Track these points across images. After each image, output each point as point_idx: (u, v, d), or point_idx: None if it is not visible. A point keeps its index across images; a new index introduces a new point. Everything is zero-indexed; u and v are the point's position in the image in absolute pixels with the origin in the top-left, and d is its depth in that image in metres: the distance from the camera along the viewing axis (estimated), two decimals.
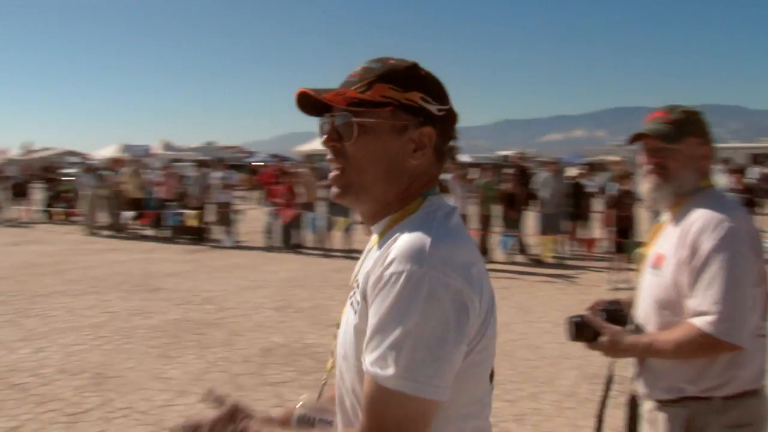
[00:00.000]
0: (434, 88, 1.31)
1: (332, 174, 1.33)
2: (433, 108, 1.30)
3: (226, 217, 14.55)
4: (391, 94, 1.27)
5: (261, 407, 1.90)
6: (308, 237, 13.79)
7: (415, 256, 1.16)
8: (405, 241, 1.20)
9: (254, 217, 16.86)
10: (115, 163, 19.46)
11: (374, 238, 1.37)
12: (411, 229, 1.22)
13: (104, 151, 35.37)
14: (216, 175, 14.94)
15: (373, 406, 1.16)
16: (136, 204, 16.29)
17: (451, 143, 1.37)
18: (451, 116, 1.34)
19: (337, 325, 1.38)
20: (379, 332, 1.15)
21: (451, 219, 1.29)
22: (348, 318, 1.30)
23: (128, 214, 16.44)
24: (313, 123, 1.39)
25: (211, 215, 14.85)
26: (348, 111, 1.27)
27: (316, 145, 24.87)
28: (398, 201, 1.32)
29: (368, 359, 1.16)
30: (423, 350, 1.13)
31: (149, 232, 16.21)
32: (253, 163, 36.74)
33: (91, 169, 18.09)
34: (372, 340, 1.16)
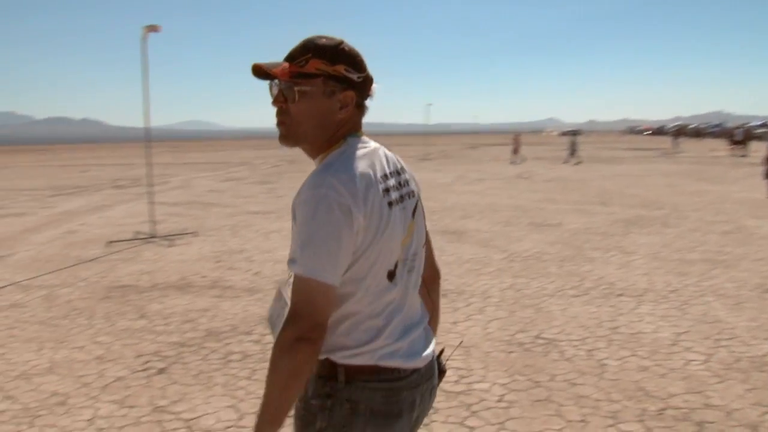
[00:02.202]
0: (355, 61, 1.74)
1: (278, 124, 1.77)
2: (354, 76, 1.74)
3: None
4: (322, 67, 1.70)
5: None
6: None
7: (316, 182, 1.60)
8: (314, 173, 1.65)
9: None
10: None
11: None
12: (325, 162, 1.70)
13: None
14: None
15: (293, 289, 1.59)
16: None
17: (369, 99, 1.83)
18: (367, 80, 1.79)
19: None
20: (294, 239, 1.62)
21: (358, 151, 1.73)
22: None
23: None
24: None
25: None
26: (291, 81, 1.71)
27: None
28: (327, 144, 1.76)
29: (288, 258, 1.64)
30: (318, 247, 1.56)
31: None
32: None
33: None
34: (292, 245, 1.63)
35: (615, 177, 22.75)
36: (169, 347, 5.49)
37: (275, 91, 1.76)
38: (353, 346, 1.70)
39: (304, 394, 1.73)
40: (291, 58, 1.74)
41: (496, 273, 8.02)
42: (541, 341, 5.49)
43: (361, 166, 1.69)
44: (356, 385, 1.69)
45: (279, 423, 1.60)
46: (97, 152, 75.40)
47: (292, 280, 1.64)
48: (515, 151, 34.98)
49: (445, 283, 7.49)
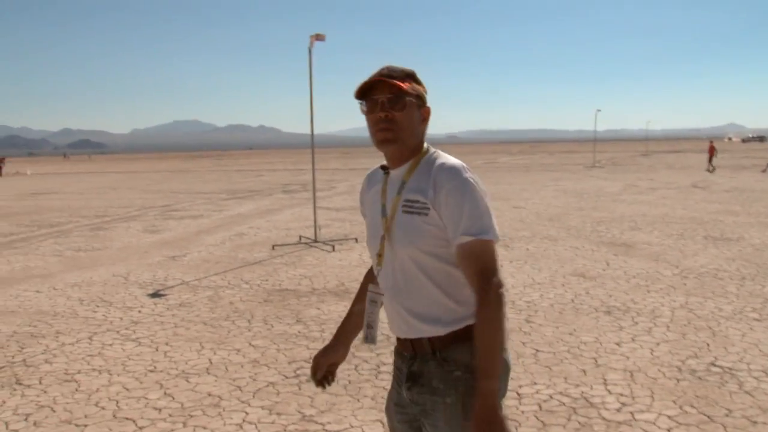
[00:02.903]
0: (422, 85, 2.07)
1: (383, 130, 1.98)
2: (426, 96, 2.07)
3: None
4: (416, 87, 2.02)
5: None
6: None
7: (460, 170, 1.92)
8: (446, 166, 1.95)
9: None
10: None
11: (396, 173, 2.05)
12: (440, 160, 1.99)
13: None
14: None
15: (482, 252, 1.86)
16: None
17: None
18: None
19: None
20: (468, 214, 1.86)
21: (449, 157, 2.02)
22: (407, 219, 1.95)
23: None
24: None
25: None
26: (401, 93, 1.96)
27: None
28: (417, 149, 2.05)
29: (467, 231, 1.85)
30: (490, 215, 1.90)
31: None
32: None
33: None
34: (463, 219, 1.86)
35: None
36: None
37: (380, 101, 1.98)
38: None
39: (459, 363, 1.93)
40: (391, 77, 2.01)
41: (667, 290, 7.33)
42: (716, 369, 4.87)
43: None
44: None
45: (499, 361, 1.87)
46: (270, 157, 79.57)
47: (407, 272, 1.98)
48: (710, 159, 33.19)
49: (610, 299, 6.96)
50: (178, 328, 6.29)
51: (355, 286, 7.92)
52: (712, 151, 33.39)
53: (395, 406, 2.11)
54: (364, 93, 2.02)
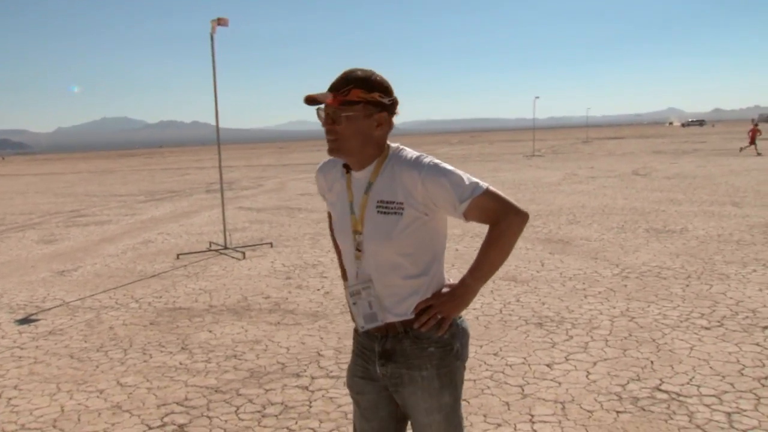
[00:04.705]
0: (385, 88, 2.11)
1: (329, 141, 2.11)
2: (385, 100, 2.10)
3: None
4: (361, 95, 2.06)
5: None
6: None
7: (420, 159, 2.09)
8: (409, 162, 2.09)
9: None
10: None
11: (360, 174, 2.16)
12: (402, 158, 2.12)
13: None
14: None
15: (492, 201, 2.04)
16: None
17: (395, 116, 2.17)
18: (394, 102, 2.14)
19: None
20: (451, 186, 2.01)
21: (405, 149, 2.17)
22: (382, 219, 2.10)
23: None
24: None
25: None
26: (339, 108, 2.06)
27: None
28: (376, 153, 2.14)
29: (461, 198, 2.01)
30: (466, 177, 2.05)
31: None
32: None
33: None
34: (452, 193, 2.01)
35: (747, 172, 20.52)
36: (199, 393, 4.54)
37: (323, 114, 2.10)
38: None
39: (430, 340, 2.15)
40: (335, 88, 2.07)
41: (606, 294, 6.68)
42: (661, 396, 4.18)
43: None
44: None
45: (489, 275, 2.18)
46: (201, 154, 77.51)
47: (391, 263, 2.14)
48: (752, 141, 30.82)
49: (543, 308, 6.26)
50: (37, 365, 5.31)
51: (259, 301, 7.07)
52: (754, 133, 30.84)
53: (362, 380, 2.29)
54: (314, 101, 2.09)
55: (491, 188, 2.05)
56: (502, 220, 2.04)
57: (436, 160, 2.07)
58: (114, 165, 57.67)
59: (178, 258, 9.85)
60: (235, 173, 34.34)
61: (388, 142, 2.18)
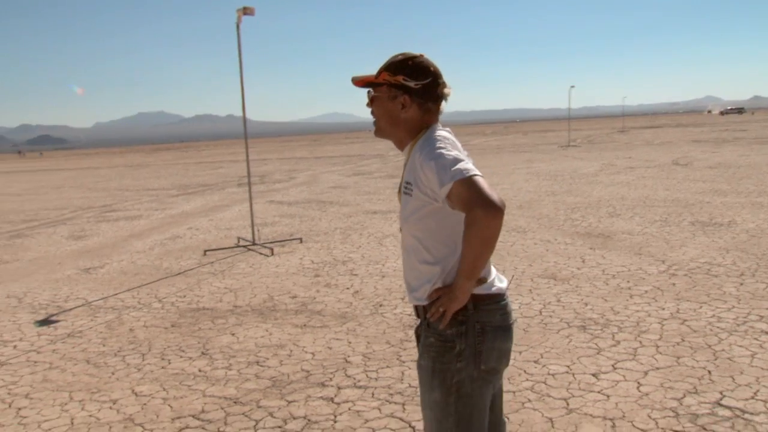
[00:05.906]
0: (415, 72, 2.19)
1: (374, 122, 2.32)
2: (411, 83, 2.19)
3: None
4: (386, 78, 2.22)
5: None
6: None
7: (428, 142, 2.11)
8: (420, 143, 2.16)
9: None
10: None
11: (403, 155, 2.30)
12: (421, 142, 2.17)
13: None
14: None
15: (467, 192, 1.93)
16: None
17: (444, 102, 2.28)
18: (429, 86, 2.21)
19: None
20: (437, 170, 1.99)
21: (434, 132, 2.18)
22: (405, 200, 2.18)
23: None
24: None
25: None
26: (369, 88, 2.28)
27: None
28: (410, 135, 2.25)
29: (442, 182, 1.97)
30: (456, 163, 1.99)
31: None
32: None
33: None
34: (436, 176, 1.99)
35: None
36: (217, 405, 4.24)
37: (368, 96, 2.30)
38: None
39: (434, 331, 2.17)
40: (373, 73, 2.27)
41: (653, 294, 6.23)
42: (724, 413, 3.74)
43: (445, 136, 2.18)
44: (481, 309, 2.16)
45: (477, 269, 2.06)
46: (235, 147, 77.81)
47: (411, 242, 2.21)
48: None
49: (586, 309, 5.85)
50: (52, 371, 5.06)
51: (286, 301, 6.76)
52: None
53: None
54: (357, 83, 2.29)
55: (474, 177, 1.94)
56: (469, 212, 1.95)
57: (441, 145, 2.07)
58: (149, 159, 58.15)
59: (205, 254, 9.61)
60: (268, 166, 34.28)
61: (437, 125, 2.24)
